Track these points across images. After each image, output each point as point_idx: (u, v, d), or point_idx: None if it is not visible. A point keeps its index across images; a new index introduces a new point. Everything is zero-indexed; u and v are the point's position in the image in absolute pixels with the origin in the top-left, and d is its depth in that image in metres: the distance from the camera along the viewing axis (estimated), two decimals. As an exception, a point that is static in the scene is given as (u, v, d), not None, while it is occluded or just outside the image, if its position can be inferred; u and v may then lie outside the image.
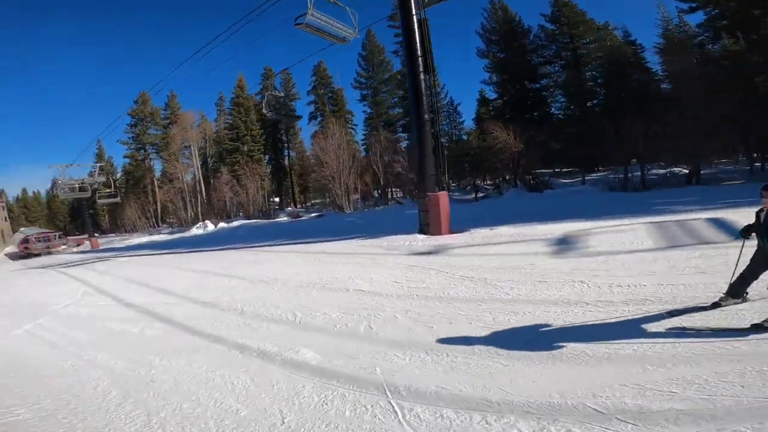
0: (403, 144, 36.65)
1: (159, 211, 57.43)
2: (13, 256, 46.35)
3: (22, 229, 61.46)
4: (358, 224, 18.09)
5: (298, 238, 14.49)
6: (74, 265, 14.27)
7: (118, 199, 31.26)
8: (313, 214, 26.47)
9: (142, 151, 57.63)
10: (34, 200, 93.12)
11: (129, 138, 56.46)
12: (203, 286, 8.28)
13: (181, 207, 48.19)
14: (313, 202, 63.80)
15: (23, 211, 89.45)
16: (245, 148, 42.42)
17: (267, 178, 37.84)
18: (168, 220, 57.83)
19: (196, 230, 28.91)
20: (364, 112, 48.32)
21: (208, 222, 30.17)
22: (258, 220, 27.80)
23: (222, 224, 28.86)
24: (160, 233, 42.36)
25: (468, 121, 43.01)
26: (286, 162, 53.17)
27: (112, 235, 52.07)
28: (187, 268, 10.85)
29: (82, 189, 28.28)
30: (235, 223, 26.96)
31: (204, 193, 50.82)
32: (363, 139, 47.71)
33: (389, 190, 33.55)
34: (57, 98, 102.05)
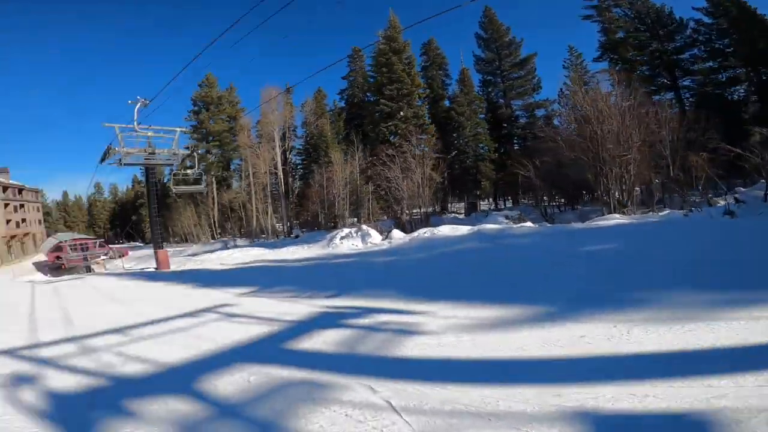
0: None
1: (216, 217, 46.09)
2: (43, 267, 35.90)
3: (56, 233, 51.29)
4: None
5: None
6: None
7: (202, 186, 18.89)
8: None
9: (205, 142, 46.38)
10: (75, 205, 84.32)
11: (189, 126, 45.78)
12: None
13: (259, 211, 36.00)
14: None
15: (62, 215, 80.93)
16: (407, 113, 29.21)
17: (436, 162, 24.13)
18: (227, 229, 46.52)
19: (345, 243, 15.52)
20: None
21: (370, 230, 16.55)
22: (455, 228, 13.94)
23: (405, 233, 15.20)
24: (236, 245, 29.80)
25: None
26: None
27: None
28: None
29: (151, 155, 15.98)
30: (447, 231, 13.11)
31: (288, 193, 38.65)
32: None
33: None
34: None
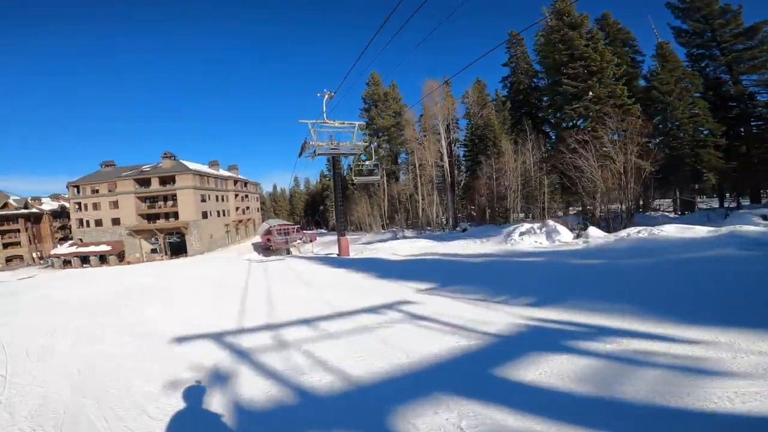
0: None
1: (386, 208, 48.94)
2: (258, 248, 45.03)
3: (269, 219, 64.10)
4: None
5: None
6: None
7: (378, 177, 19.82)
8: None
9: (376, 137, 49.79)
10: (281, 195, 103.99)
11: (364, 122, 50.01)
12: None
13: (426, 203, 36.46)
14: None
15: (272, 204, 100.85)
16: (598, 92, 24.99)
17: (643, 148, 19.35)
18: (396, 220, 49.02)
19: (525, 239, 13.36)
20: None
21: (558, 226, 13.84)
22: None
23: (603, 232, 12.25)
24: (404, 236, 30.67)
25: None
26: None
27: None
28: None
29: (336, 146, 17.56)
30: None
31: (453, 186, 38.00)
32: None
33: None
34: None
